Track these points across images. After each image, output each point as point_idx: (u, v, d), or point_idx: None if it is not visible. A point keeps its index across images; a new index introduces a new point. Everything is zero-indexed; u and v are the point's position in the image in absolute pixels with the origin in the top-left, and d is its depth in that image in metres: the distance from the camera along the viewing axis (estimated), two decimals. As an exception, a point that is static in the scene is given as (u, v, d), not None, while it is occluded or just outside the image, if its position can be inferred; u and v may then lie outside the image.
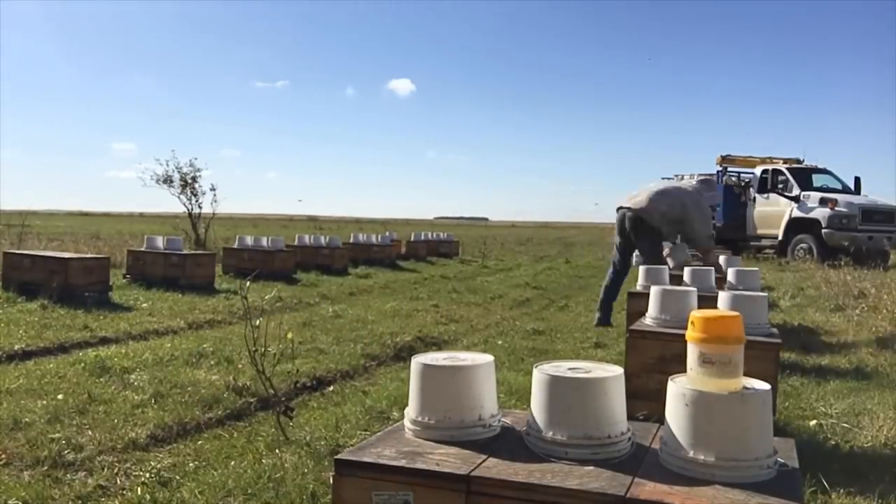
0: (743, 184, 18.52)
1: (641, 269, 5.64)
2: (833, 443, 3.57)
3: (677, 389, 1.64)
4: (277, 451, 3.20)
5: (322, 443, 3.33)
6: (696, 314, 1.71)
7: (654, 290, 3.89)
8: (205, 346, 5.54)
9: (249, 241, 12.19)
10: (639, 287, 5.39)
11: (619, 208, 6.93)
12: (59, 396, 4.02)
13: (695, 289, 3.95)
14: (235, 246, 12.10)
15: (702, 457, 1.56)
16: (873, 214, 15.70)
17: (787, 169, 17.22)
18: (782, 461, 1.63)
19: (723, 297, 3.86)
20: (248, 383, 4.31)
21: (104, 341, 5.83)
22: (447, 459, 1.66)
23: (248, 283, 3.81)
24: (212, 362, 5.02)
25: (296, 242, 13.49)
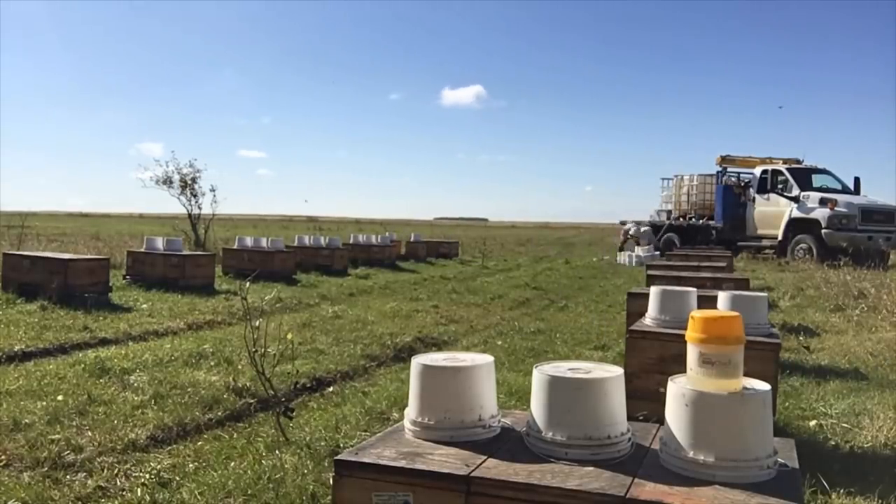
0: (742, 184, 18.51)
1: None
2: (833, 443, 3.56)
3: (677, 389, 1.64)
4: (277, 451, 3.20)
5: (322, 443, 3.33)
6: (696, 314, 1.71)
7: (654, 291, 3.88)
8: (204, 346, 5.54)
9: (249, 241, 12.19)
10: None
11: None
12: (59, 397, 4.01)
13: (694, 289, 3.93)
14: (235, 247, 12.10)
15: (702, 457, 1.56)
16: (873, 214, 15.70)
17: (787, 169, 17.21)
18: (782, 461, 1.63)
19: (723, 297, 3.84)
20: (247, 384, 4.31)
21: (104, 342, 5.83)
22: (447, 460, 1.66)
23: (247, 284, 3.81)
24: (211, 363, 5.02)
25: (295, 243, 13.49)
